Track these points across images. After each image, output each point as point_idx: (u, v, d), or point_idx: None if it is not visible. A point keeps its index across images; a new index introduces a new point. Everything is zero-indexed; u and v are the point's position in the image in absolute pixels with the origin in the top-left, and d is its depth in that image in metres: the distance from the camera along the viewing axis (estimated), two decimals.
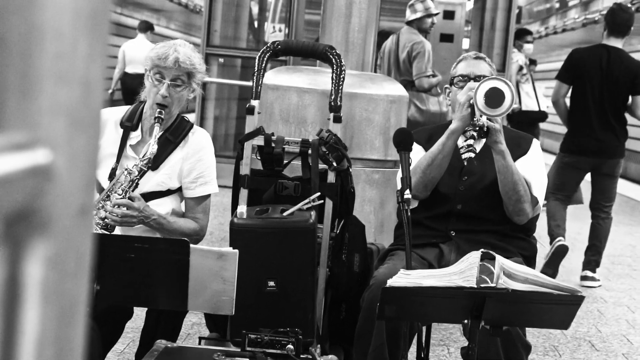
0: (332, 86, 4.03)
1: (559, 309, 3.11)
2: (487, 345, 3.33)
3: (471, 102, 3.77)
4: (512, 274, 3.01)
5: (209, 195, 3.89)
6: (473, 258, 3.03)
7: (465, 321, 3.11)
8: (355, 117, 5.24)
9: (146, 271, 3.29)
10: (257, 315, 3.67)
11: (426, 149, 3.93)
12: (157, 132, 3.70)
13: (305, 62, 9.31)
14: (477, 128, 3.86)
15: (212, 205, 4.04)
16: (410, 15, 9.05)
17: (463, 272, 3.01)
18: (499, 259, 3.03)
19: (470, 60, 4.07)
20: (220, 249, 3.28)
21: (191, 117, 4.15)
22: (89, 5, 0.82)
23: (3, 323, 0.75)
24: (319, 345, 3.79)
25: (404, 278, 3.06)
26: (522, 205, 3.81)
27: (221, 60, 12.46)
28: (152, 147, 3.68)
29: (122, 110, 3.90)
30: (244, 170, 3.95)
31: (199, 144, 3.86)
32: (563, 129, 7.84)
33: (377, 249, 4.16)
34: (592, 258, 7.35)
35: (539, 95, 11.46)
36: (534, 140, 4.08)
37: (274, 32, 13.23)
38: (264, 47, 4.12)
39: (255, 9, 14.24)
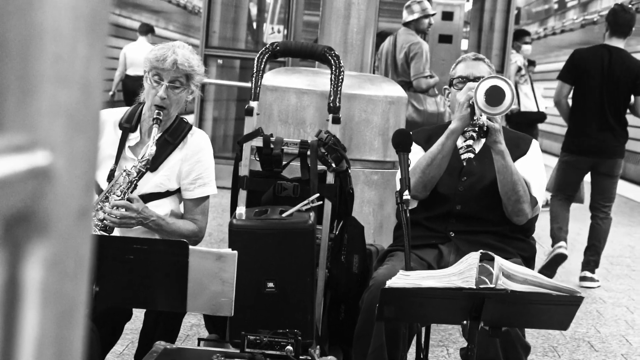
0: (330, 87, 4.03)
1: (558, 310, 3.11)
2: (487, 346, 3.33)
3: (471, 102, 3.77)
4: (511, 275, 3.01)
5: (207, 197, 3.89)
6: (472, 259, 3.03)
7: (465, 322, 3.11)
8: (354, 118, 5.24)
9: (145, 272, 3.29)
10: (256, 317, 3.67)
11: (426, 150, 3.93)
12: (156, 133, 3.70)
13: (304, 63, 9.32)
14: (477, 128, 3.86)
15: (211, 207, 4.04)
16: (407, 17, 9.05)
17: (462, 273, 3.01)
18: (498, 259, 3.03)
19: (470, 62, 4.07)
20: (219, 250, 3.27)
21: (190, 118, 4.15)
22: (88, 7, 0.82)
23: (3, 325, 0.75)
24: (318, 347, 3.79)
25: (403, 279, 3.07)
26: (521, 205, 3.81)
27: (220, 61, 12.45)
28: (150, 149, 3.68)
29: (121, 111, 3.89)
30: (243, 171, 3.95)
31: (197, 146, 3.86)
32: (561, 130, 7.87)
33: (376, 250, 4.16)
34: (591, 258, 7.36)
35: (538, 96, 11.47)
36: (533, 141, 4.09)
37: (272, 33, 13.23)
38: (263, 48, 4.12)
39: (253, 10, 14.23)
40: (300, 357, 3.41)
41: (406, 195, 3.44)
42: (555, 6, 27.37)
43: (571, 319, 3.13)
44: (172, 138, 3.82)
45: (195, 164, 3.84)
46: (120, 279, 3.31)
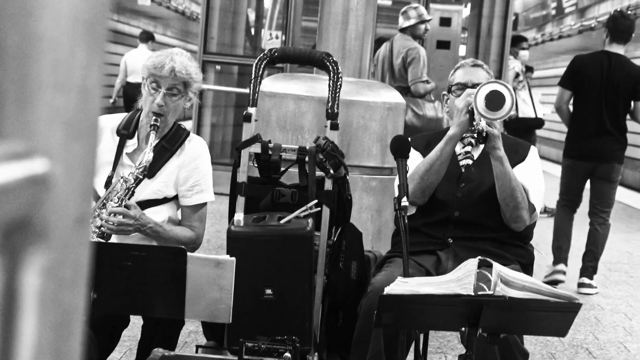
0: (329, 93, 4.03)
1: (556, 317, 3.11)
2: (485, 353, 3.32)
3: (469, 108, 3.77)
4: (509, 282, 3.01)
5: (205, 204, 3.89)
6: (470, 265, 3.03)
7: (463, 329, 3.11)
8: (352, 124, 5.24)
9: (143, 279, 3.29)
10: (255, 323, 3.67)
11: (424, 156, 3.93)
12: (153, 140, 3.69)
13: (302, 69, 9.33)
14: (476, 134, 3.85)
15: (209, 213, 4.04)
16: (403, 22, 9.07)
17: (460, 279, 3.01)
18: (497, 266, 3.02)
19: (468, 68, 4.07)
20: (218, 257, 3.27)
21: (188, 125, 4.14)
22: (86, 14, 0.82)
23: (0, 332, 0.75)
24: (316, 353, 3.79)
25: (402, 286, 3.06)
26: (519, 212, 3.80)
27: (218, 67, 12.46)
28: (147, 155, 3.68)
29: (119, 117, 3.89)
30: (241, 177, 3.94)
31: (195, 152, 3.86)
32: (560, 136, 7.93)
33: (374, 256, 4.16)
34: (589, 264, 7.37)
35: (536, 102, 11.48)
36: (532, 147, 4.09)
37: (270, 39, 13.23)
38: (261, 55, 4.12)
39: (252, 16, 14.25)
40: None
41: (404, 202, 3.44)
42: (553, 12, 27.42)
43: (569, 326, 3.13)
44: (169, 145, 3.82)
45: (193, 171, 3.83)
46: (118, 286, 3.31)
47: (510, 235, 3.88)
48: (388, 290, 3.05)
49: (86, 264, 0.84)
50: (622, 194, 7.71)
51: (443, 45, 11.49)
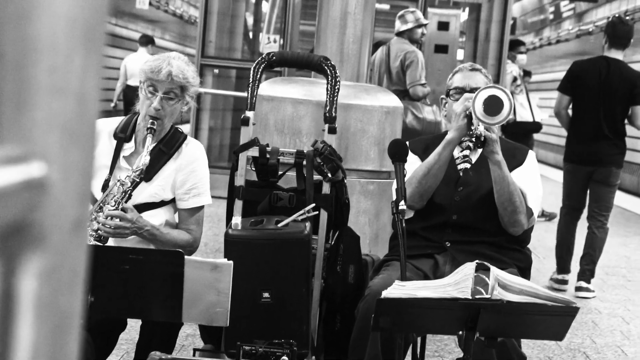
0: (326, 97, 4.03)
1: (554, 320, 3.11)
2: (482, 357, 3.32)
3: (467, 112, 3.77)
4: (506, 285, 3.01)
5: (202, 207, 3.89)
6: (468, 269, 3.03)
7: (460, 332, 3.11)
8: (350, 128, 5.25)
9: (140, 283, 3.29)
10: (252, 327, 3.67)
11: (422, 159, 3.93)
12: (150, 143, 3.70)
13: (300, 73, 9.32)
14: (474, 138, 3.86)
15: (206, 216, 4.04)
16: (400, 26, 9.08)
17: (458, 283, 3.01)
18: (494, 270, 3.03)
19: (466, 72, 4.07)
20: (215, 260, 3.27)
21: (186, 128, 4.15)
22: (84, 18, 0.82)
23: None
24: (313, 357, 3.78)
25: (399, 289, 3.06)
26: (517, 216, 3.81)
27: (216, 71, 12.47)
28: (144, 158, 3.68)
29: (116, 121, 3.89)
30: (239, 181, 3.95)
31: (192, 155, 3.86)
32: (557, 140, 7.97)
33: (372, 260, 4.16)
34: (586, 267, 7.38)
35: (533, 106, 11.49)
36: (530, 151, 4.09)
37: (268, 43, 13.23)
38: (259, 58, 4.12)
39: (250, 20, 14.25)
40: None
41: (402, 206, 3.44)
42: (551, 16, 27.45)
43: (567, 330, 3.13)
44: (166, 148, 3.82)
45: (190, 174, 3.83)
46: (116, 289, 3.31)
47: (507, 239, 3.88)
48: (385, 293, 3.05)
49: (83, 267, 0.84)
50: (619, 198, 7.73)
51: (441, 49, 11.51)
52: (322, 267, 3.90)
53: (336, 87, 4.03)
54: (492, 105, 3.69)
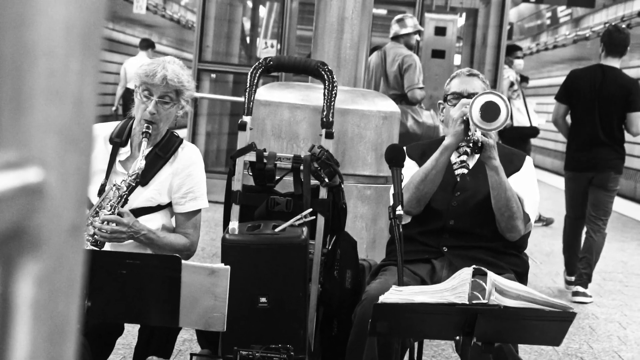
0: (324, 102, 4.03)
1: (551, 326, 3.11)
2: None
3: (465, 118, 3.78)
4: (504, 291, 3.01)
5: (199, 211, 3.89)
6: (465, 274, 3.03)
7: (457, 337, 3.11)
8: (347, 133, 5.25)
9: (137, 287, 3.28)
10: (249, 332, 3.66)
11: (420, 165, 3.93)
12: (145, 147, 3.69)
13: (297, 78, 9.33)
14: (471, 143, 3.86)
15: (203, 221, 4.04)
16: (400, 30, 9.11)
17: (455, 288, 3.01)
18: (491, 275, 3.03)
19: (464, 77, 4.07)
20: (212, 265, 3.27)
21: (183, 133, 4.16)
22: (81, 23, 0.82)
23: None
24: None
25: (396, 294, 3.06)
26: (514, 222, 3.81)
27: (213, 75, 12.47)
28: (140, 163, 3.68)
29: (112, 126, 3.89)
30: (236, 186, 3.94)
31: (188, 159, 3.86)
32: (554, 145, 8.03)
33: (369, 265, 4.16)
34: (583, 271, 7.40)
35: (530, 111, 11.51)
36: (527, 157, 4.10)
37: (265, 48, 13.25)
38: (256, 63, 4.12)
39: (247, 25, 14.26)
40: None
41: (399, 211, 3.44)
42: (548, 22, 27.47)
43: (564, 335, 3.13)
44: (162, 152, 3.82)
45: (186, 178, 3.83)
46: (113, 294, 3.30)
47: (504, 244, 3.88)
48: (382, 298, 3.05)
49: (80, 272, 0.84)
50: (616, 203, 7.75)
51: (438, 54, 11.51)
52: (319, 272, 3.90)
53: (333, 92, 4.03)
54: (489, 111, 3.69)
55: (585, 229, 7.62)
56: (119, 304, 3.35)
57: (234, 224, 3.82)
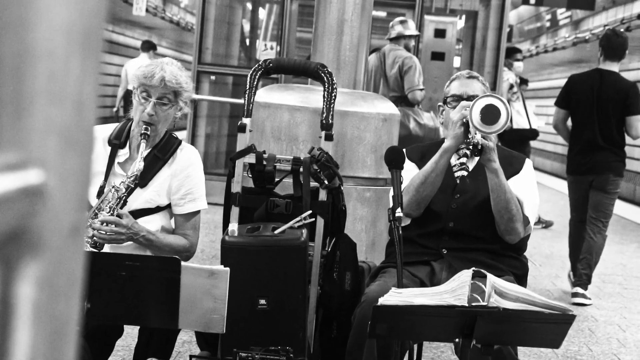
0: (323, 104, 4.03)
1: (550, 328, 3.11)
2: None
3: (464, 120, 3.78)
4: (503, 293, 3.01)
5: (198, 212, 3.89)
6: (464, 276, 3.03)
7: (457, 340, 3.10)
8: (346, 135, 5.25)
9: (137, 289, 3.28)
10: (249, 334, 3.66)
11: (419, 167, 3.93)
12: (144, 149, 3.70)
13: (296, 80, 9.34)
14: (471, 146, 3.86)
15: (203, 223, 4.04)
16: (403, 31, 9.14)
17: (454, 290, 3.01)
18: (491, 277, 3.03)
19: (464, 80, 4.07)
20: (212, 267, 3.27)
21: (182, 135, 4.15)
22: (81, 25, 0.82)
23: None
24: None
25: (395, 296, 3.06)
26: (514, 224, 3.81)
27: (213, 77, 12.47)
28: (138, 164, 3.68)
29: (110, 127, 3.89)
30: (235, 188, 3.95)
31: (187, 161, 3.86)
32: (554, 148, 8.07)
33: (368, 267, 4.16)
34: (583, 272, 7.43)
35: (530, 114, 11.52)
36: (527, 160, 4.10)
37: (265, 50, 13.25)
38: (256, 65, 4.12)
39: (246, 27, 14.26)
40: None
41: (399, 213, 3.44)
42: (547, 24, 27.47)
43: (563, 337, 3.13)
44: (161, 154, 3.82)
45: (185, 179, 3.83)
46: (112, 296, 3.30)
47: (504, 246, 3.88)
48: (382, 300, 3.05)
49: (80, 274, 0.84)
50: (615, 205, 7.76)
51: (438, 56, 11.51)
52: (318, 274, 3.90)
53: (333, 94, 4.03)
54: (489, 114, 3.69)
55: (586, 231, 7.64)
56: (118, 305, 3.35)
57: (233, 226, 3.82)
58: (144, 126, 3.70)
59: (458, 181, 3.96)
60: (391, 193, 3.59)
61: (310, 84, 5.68)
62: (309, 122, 5.18)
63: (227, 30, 12.51)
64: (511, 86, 11.47)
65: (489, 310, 2.98)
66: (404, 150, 3.83)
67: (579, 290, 7.37)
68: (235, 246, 3.70)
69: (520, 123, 11.28)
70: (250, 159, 3.95)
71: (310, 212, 3.84)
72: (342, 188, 3.99)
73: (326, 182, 3.90)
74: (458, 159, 4.01)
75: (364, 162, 5.29)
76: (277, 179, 4.02)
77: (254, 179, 3.99)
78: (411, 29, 9.25)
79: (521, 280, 3.87)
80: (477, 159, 3.93)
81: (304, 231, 3.76)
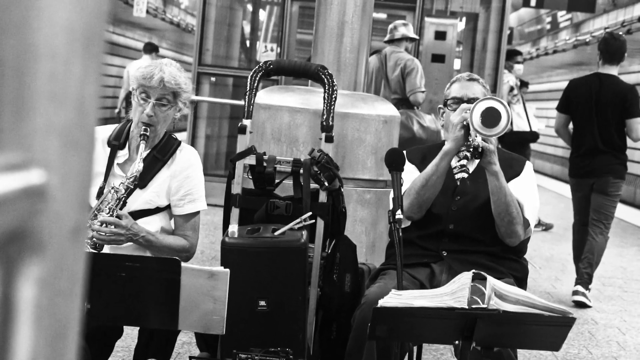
0: (323, 106, 4.03)
1: (550, 331, 3.11)
2: None
3: (465, 123, 3.77)
4: (503, 295, 3.01)
5: (198, 212, 3.89)
6: (464, 279, 3.03)
7: (457, 342, 3.10)
8: (347, 136, 5.25)
9: (137, 290, 3.28)
10: (248, 335, 3.66)
11: (419, 169, 3.93)
12: (143, 149, 3.70)
13: (297, 81, 9.34)
14: (472, 149, 3.86)
15: (203, 224, 4.04)
16: (406, 33, 9.16)
17: (454, 292, 3.01)
18: (491, 279, 3.03)
19: (464, 82, 4.07)
20: (211, 268, 3.27)
21: (182, 136, 4.16)
22: (83, 26, 0.82)
23: None
24: None
25: (395, 298, 3.06)
26: (514, 227, 3.80)
27: (213, 79, 12.47)
28: (138, 165, 3.68)
29: (110, 128, 3.89)
30: (236, 189, 3.95)
31: (187, 162, 3.86)
32: (554, 150, 8.11)
33: (368, 269, 4.16)
34: (584, 270, 7.45)
35: (530, 116, 11.52)
36: (527, 162, 4.09)
37: (265, 52, 13.25)
38: (256, 67, 4.12)
39: (247, 29, 14.26)
40: None
41: (399, 214, 3.44)
42: (548, 27, 27.48)
43: (563, 340, 3.13)
44: (160, 155, 3.82)
45: (184, 180, 3.83)
46: (112, 297, 3.30)
47: (504, 249, 3.88)
48: (382, 302, 3.05)
49: (82, 274, 0.84)
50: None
51: (438, 58, 11.52)
52: (318, 276, 3.90)
53: (333, 96, 4.03)
54: (490, 117, 3.69)
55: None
56: (118, 306, 3.34)
57: (233, 227, 3.82)
58: (143, 127, 3.70)
59: (458, 183, 3.96)
60: (391, 195, 3.59)
61: (310, 86, 5.68)
62: (309, 124, 5.18)
63: (227, 31, 12.51)
64: (511, 88, 11.47)
65: (489, 312, 2.98)
66: (404, 152, 3.83)
67: (580, 288, 7.39)
68: (235, 247, 3.70)
69: (520, 125, 11.28)
70: (251, 160, 3.95)
71: (310, 213, 3.84)
72: (342, 190, 3.99)
73: (326, 183, 3.90)
74: (458, 161, 4.01)
75: (364, 164, 5.30)
76: (277, 181, 4.02)
77: (254, 180, 3.99)
78: (411, 31, 9.30)
79: (521, 282, 3.87)
80: (477, 161, 3.93)
81: (304, 233, 3.77)
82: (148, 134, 3.70)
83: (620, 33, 10.55)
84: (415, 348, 3.85)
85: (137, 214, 3.75)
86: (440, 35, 11.66)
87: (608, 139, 7.48)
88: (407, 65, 8.90)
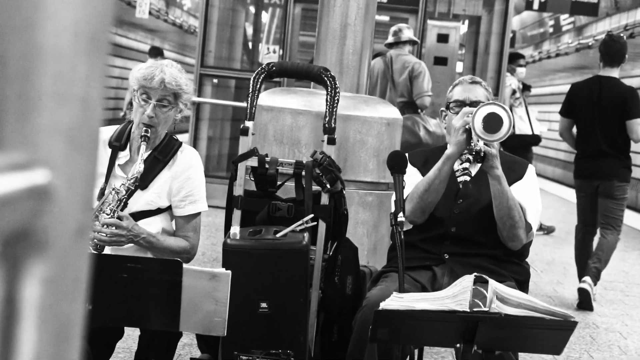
0: (326, 108, 4.03)
1: (552, 334, 3.11)
2: None
3: (467, 127, 3.77)
4: (505, 299, 3.01)
5: (199, 214, 3.89)
6: (466, 282, 3.03)
7: (458, 345, 3.10)
8: (349, 139, 5.25)
9: (138, 291, 3.28)
10: (249, 337, 3.66)
11: (422, 172, 3.93)
12: (144, 151, 3.70)
13: (299, 83, 9.34)
14: (474, 153, 3.85)
15: (204, 226, 4.04)
16: (411, 36, 9.18)
17: (456, 295, 3.01)
18: (492, 283, 3.02)
19: (466, 85, 4.07)
20: (213, 270, 3.27)
21: (184, 137, 4.16)
22: (88, 26, 0.82)
23: (0, 343, 0.75)
24: None
25: (397, 301, 3.06)
26: (516, 231, 3.80)
27: (215, 80, 12.47)
28: (138, 166, 3.68)
29: (111, 129, 3.90)
30: (238, 191, 3.95)
31: (187, 163, 3.86)
32: (556, 154, 8.12)
33: (369, 271, 4.16)
34: (593, 265, 7.49)
35: (532, 119, 11.51)
36: (530, 165, 4.09)
37: (268, 54, 13.25)
38: (259, 68, 4.12)
39: (249, 30, 14.27)
40: None
41: (401, 217, 3.44)
42: (551, 30, 27.48)
43: (564, 344, 3.13)
44: (161, 156, 3.82)
45: (185, 181, 3.83)
46: (113, 298, 3.30)
47: (506, 252, 3.88)
48: (383, 305, 3.05)
49: (85, 274, 0.84)
50: None
51: (440, 61, 11.52)
52: (320, 278, 3.90)
53: (335, 98, 4.03)
54: (492, 122, 3.69)
55: (598, 235, 7.71)
56: (119, 307, 3.35)
57: (235, 229, 3.82)
58: (144, 128, 3.71)
59: (461, 186, 3.96)
60: (393, 197, 3.59)
61: (313, 88, 5.68)
62: (311, 126, 5.18)
63: (229, 33, 12.52)
64: (514, 92, 11.47)
65: (490, 315, 2.98)
66: (407, 154, 3.83)
67: (587, 279, 7.41)
68: (237, 249, 3.70)
69: (522, 129, 11.28)
70: (253, 162, 3.95)
71: (312, 215, 3.84)
72: (344, 192, 3.99)
73: (328, 186, 3.90)
74: (461, 164, 4.01)
75: (366, 166, 5.29)
76: (279, 183, 4.02)
77: (256, 182, 3.99)
78: (412, 34, 9.32)
79: (523, 286, 3.87)
80: (480, 164, 3.93)
81: (306, 235, 3.76)
82: (149, 135, 3.71)
83: (621, 35, 10.56)
84: (416, 351, 3.85)
85: (138, 215, 3.75)
86: (442, 38, 11.67)
87: (611, 141, 7.51)
88: (414, 69, 8.91)
